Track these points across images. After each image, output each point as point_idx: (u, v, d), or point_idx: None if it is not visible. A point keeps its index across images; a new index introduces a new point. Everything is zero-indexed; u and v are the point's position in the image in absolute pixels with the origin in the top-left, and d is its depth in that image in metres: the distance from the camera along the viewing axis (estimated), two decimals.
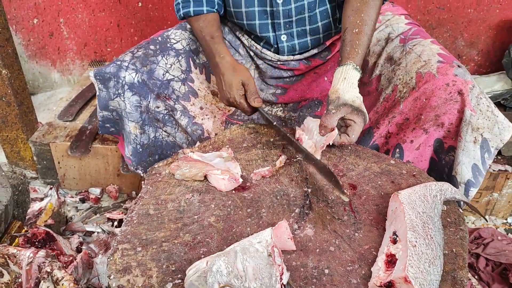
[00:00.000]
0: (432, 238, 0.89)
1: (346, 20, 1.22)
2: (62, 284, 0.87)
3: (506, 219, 1.78)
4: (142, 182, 1.11)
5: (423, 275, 0.81)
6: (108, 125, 1.44)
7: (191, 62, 1.41)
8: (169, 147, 1.44)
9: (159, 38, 1.43)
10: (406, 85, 1.24)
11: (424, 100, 1.20)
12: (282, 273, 0.81)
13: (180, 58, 1.39)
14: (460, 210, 1.06)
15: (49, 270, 0.89)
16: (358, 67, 1.16)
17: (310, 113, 1.49)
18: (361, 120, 1.13)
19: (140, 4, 2.14)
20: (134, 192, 1.82)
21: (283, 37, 1.38)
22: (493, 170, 1.68)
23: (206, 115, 1.43)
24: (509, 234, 1.77)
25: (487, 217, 1.78)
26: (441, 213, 1.00)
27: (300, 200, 1.02)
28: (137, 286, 0.83)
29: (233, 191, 1.04)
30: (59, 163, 1.77)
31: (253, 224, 0.96)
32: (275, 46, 1.40)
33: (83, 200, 1.77)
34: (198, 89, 1.42)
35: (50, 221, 1.54)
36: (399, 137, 1.27)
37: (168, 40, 1.42)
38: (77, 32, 2.25)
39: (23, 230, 1.42)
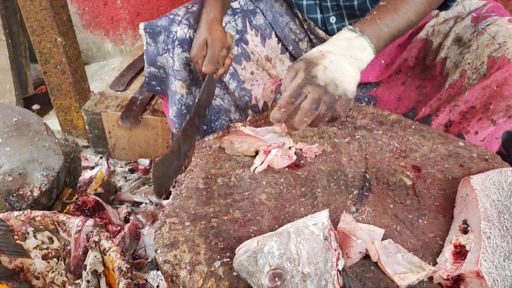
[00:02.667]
0: (508, 229, 0.80)
1: None
2: (109, 255, 0.86)
3: None
4: (192, 155, 1.07)
5: (497, 270, 0.72)
6: (154, 82, 1.39)
7: (247, 23, 1.34)
8: (214, 111, 1.38)
9: None
10: (476, 71, 1.11)
11: (495, 88, 1.06)
12: (338, 259, 0.74)
13: (236, 17, 1.32)
14: None
15: (96, 239, 0.88)
16: (357, 29, 0.95)
17: (364, 92, 1.39)
18: (302, 70, 0.86)
19: None
20: None
21: (332, 19, 1.28)
22: None
23: (257, 81, 1.36)
24: None
25: None
26: None
27: (359, 181, 0.94)
28: (183, 262, 0.80)
29: (286, 169, 0.98)
30: (109, 132, 1.78)
31: (307, 204, 0.90)
32: (324, 28, 1.31)
33: (132, 171, 1.78)
34: (252, 52, 1.35)
35: (99, 190, 1.55)
36: (461, 127, 1.15)
37: None
38: (130, 2, 2.24)
39: (74, 198, 1.43)
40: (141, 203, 1.58)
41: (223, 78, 1.30)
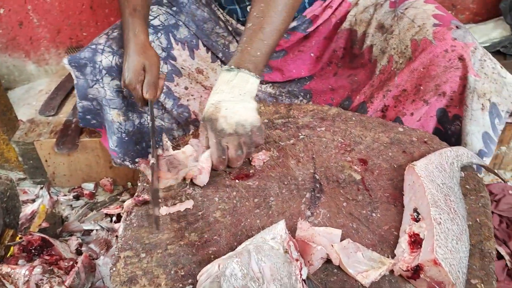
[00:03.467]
0: (456, 211, 0.83)
1: (248, 15, 1.06)
2: None
3: None
4: (138, 181, 1.03)
5: (452, 255, 0.75)
6: (89, 116, 1.34)
7: (172, 38, 1.30)
8: (156, 133, 1.35)
9: None
10: (402, 55, 1.15)
11: (422, 69, 1.11)
12: (301, 268, 0.74)
13: (159, 34, 1.29)
14: (479, 175, 1.00)
15: (48, 286, 0.83)
16: (233, 66, 0.98)
17: (299, 87, 1.40)
18: (209, 131, 0.94)
19: None
20: (129, 183, 1.75)
21: (249, 8, 1.27)
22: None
23: (192, 95, 1.33)
24: None
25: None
26: (459, 181, 0.94)
27: (309, 183, 0.95)
28: None
29: (237, 180, 0.97)
30: (46, 161, 1.68)
31: (263, 215, 0.89)
32: (243, 19, 1.29)
33: (77, 197, 1.69)
34: (182, 67, 1.32)
35: (44, 224, 1.47)
36: (397, 110, 1.19)
37: None
38: (48, 19, 2.11)
39: (17, 238, 1.34)
40: (92, 230, 1.51)
41: (159, 99, 1.27)
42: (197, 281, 0.75)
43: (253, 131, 0.95)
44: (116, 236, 1.43)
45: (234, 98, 0.95)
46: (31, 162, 1.70)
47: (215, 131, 0.93)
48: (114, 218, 1.56)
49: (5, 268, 0.86)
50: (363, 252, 0.80)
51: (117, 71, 1.22)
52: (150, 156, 0.99)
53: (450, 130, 1.17)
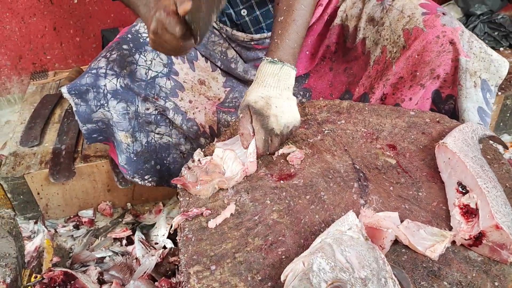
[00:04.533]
0: (493, 178, 0.91)
1: (274, 9, 1.13)
2: None
3: None
4: (177, 196, 1.02)
5: (506, 218, 0.82)
6: (95, 135, 1.31)
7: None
8: (163, 149, 1.34)
9: (129, 35, 1.29)
10: (395, 45, 1.23)
11: (416, 56, 1.19)
12: None
13: (158, 51, 1.27)
14: (494, 145, 1.09)
15: None
16: (276, 58, 1.03)
17: (298, 86, 1.44)
18: (260, 127, 1.00)
19: (76, 1, 1.93)
20: (129, 204, 1.70)
21: (243, 12, 1.30)
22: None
23: (197, 107, 1.33)
24: None
25: None
26: (481, 153, 1.02)
27: (352, 173, 0.99)
28: None
29: (281, 181, 0.99)
30: (39, 194, 1.60)
31: (319, 210, 0.92)
32: (238, 23, 1.32)
33: (77, 226, 1.63)
34: (184, 81, 1.32)
35: (55, 259, 1.40)
36: (396, 97, 1.26)
37: (139, 35, 1.29)
38: (8, 45, 2.00)
39: (34, 277, 1.28)
40: (104, 257, 1.46)
41: (168, 115, 1.26)
42: (277, 282, 0.77)
43: (292, 130, 1.02)
44: (136, 259, 1.40)
45: (281, 94, 1.01)
46: (21, 197, 1.61)
47: (266, 129, 0.99)
48: (124, 241, 1.51)
49: None
50: (424, 229, 0.85)
51: (122, 93, 1.20)
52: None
53: (443, 109, 1.26)
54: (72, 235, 1.60)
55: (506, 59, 1.24)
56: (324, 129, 1.13)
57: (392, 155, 1.03)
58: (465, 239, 0.83)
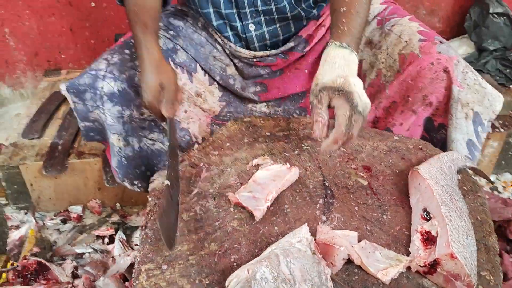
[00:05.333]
0: (461, 209, 0.89)
1: (333, 2, 1.14)
2: None
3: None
4: (148, 196, 1.03)
5: (464, 248, 0.80)
6: (92, 133, 1.33)
7: (171, 62, 1.31)
8: (155, 155, 1.35)
9: (132, 41, 1.32)
10: (390, 69, 1.22)
11: (410, 81, 1.18)
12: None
13: None
14: (473, 177, 1.07)
15: None
16: (344, 43, 1.01)
17: (294, 105, 1.45)
18: (344, 101, 0.93)
19: (93, 5, 2.00)
20: (118, 205, 1.72)
21: (251, 26, 1.32)
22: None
23: (191, 118, 1.34)
24: (494, 192, 1.84)
25: None
26: (457, 183, 1.00)
27: (320, 190, 0.98)
28: None
29: None
30: (31, 185, 1.64)
31: (280, 222, 0.91)
32: (244, 36, 1.34)
33: (64, 221, 1.65)
34: (182, 91, 1.34)
35: (35, 249, 1.42)
36: (387, 121, 1.25)
37: None
38: (26, 42, 2.08)
39: (9, 264, 1.30)
40: (84, 253, 1.47)
41: (159, 122, 1.28)
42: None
43: (366, 115, 0.96)
44: (112, 257, 1.41)
45: (354, 76, 0.97)
46: (15, 187, 1.65)
47: (351, 104, 0.92)
48: (106, 240, 1.53)
49: None
50: (380, 252, 0.84)
51: (118, 97, 1.21)
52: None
53: (435, 138, 1.24)
54: (59, 229, 1.62)
55: None
56: (303, 145, 1.13)
57: (365, 176, 1.02)
58: (420, 266, 0.81)
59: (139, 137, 1.29)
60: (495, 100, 1.19)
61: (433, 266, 0.80)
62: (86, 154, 1.62)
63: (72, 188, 1.66)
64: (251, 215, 0.92)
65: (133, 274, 0.85)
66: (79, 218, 1.67)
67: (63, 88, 1.24)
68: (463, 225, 0.85)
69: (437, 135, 1.23)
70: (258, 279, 0.73)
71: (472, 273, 0.78)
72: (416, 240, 0.86)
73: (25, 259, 1.25)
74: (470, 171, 1.09)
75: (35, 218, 1.62)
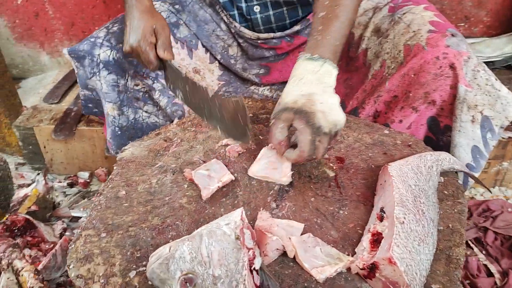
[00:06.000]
0: (424, 213, 0.80)
1: (314, 6, 1.04)
2: (22, 275, 0.81)
3: None
4: (114, 165, 1.03)
5: (411, 255, 0.72)
6: (90, 105, 1.36)
7: (171, 37, 1.30)
8: (150, 129, 1.35)
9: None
10: (394, 60, 1.12)
11: (412, 75, 1.07)
12: (254, 257, 0.72)
13: None
14: (459, 182, 0.96)
15: (9, 261, 0.83)
16: (316, 55, 0.92)
17: None
18: (304, 125, 0.84)
19: None
20: None
21: (256, 8, 1.26)
22: (503, 138, 1.56)
23: None
24: None
25: (496, 188, 1.67)
26: (437, 186, 0.91)
27: None
28: (97, 276, 0.76)
29: None
30: (45, 147, 1.71)
31: (228, 204, 0.87)
32: (249, 17, 1.29)
33: (71, 185, 1.71)
34: (179, 66, 1.32)
35: (34, 208, 1.48)
36: (387, 117, 1.16)
37: None
38: (63, 11, 2.16)
39: (4, 218, 1.36)
40: (80, 217, 1.52)
41: (153, 95, 1.27)
42: None
43: (338, 132, 0.89)
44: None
45: (324, 91, 0.88)
46: (30, 147, 1.73)
47: (312, 127, 0.84)
48: None
49: None
50: (321, 247, 0.78)
51: (114, 66, 1.22)
52: None
53: (442, 141, 1.13)
54: (65, 192, 1.69)
55: None
56: None
57: (334, 168, 0.96)
58: (359, 268, 0.74)
59: (135, 108, 1.30)
60: (510, 104, 1.05)
61: (372, 269, 0.72)
62: (95, 123, 1.66)
63: (81, 155, 1.71)
64: (201, 195, 0.89)
65: (73, 238, 0.85)
66: (86, 184, 1.72)
67: (65, 52, 1.27)
68: (419, 230, 0.76)
69: (443, 137, 1.12)
70: (176, 258, 0.70)
71: (414, 283, 0.70)
72: (365, 240, 0.78)
73: (15, 215, 1.30)
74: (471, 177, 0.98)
75: (45, 179, 1.69)
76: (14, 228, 1.29)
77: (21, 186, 1.68)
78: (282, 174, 0.90)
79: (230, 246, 0.70)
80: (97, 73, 1.24)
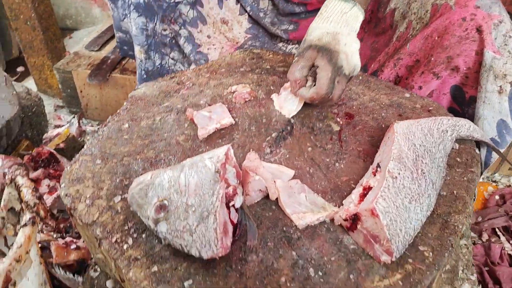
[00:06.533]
0: (424, 173, 0.74)
1: None
2: (21, 191, 0.84)
3: None
4: (125, 100, 1.05)
5: (397, 211, 0.67)
6: (125, 47, 1.39)
7: None
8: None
9: None
10: (420, 21, 1.04)
11: (435, 38, 1.00)
12: (234, 195, 0.71)
13: None
14: (477, 151, 0.89)
15: (12, 176, 0.87)
16: None
17: None
18: (326, 62, 0.84)
19: None
20: None
21: None
22: None
23: (213, 44, 1.31)
24: None
25: None
26: (449, 152, 0.84)
27: (281, 125, 0.90)
28: (84, 197, 0.78)
29: None
30: (81, 91, 1.77)
31: (222, 145, 0.86)
32: None
33: None
34: (207, 15, 1.31)
35: (62, 145, 1.54)
36: (407, 82, 1.09)
37: None
38: None
39: (32, 150, 1.43)
40: None
41: (179, 41, 1.27)
42: None
43: (352, 78, 0.90)
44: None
45: (349, 34, 0.87)
46: (68, 90, 1.80)
47: (334, 65, 0.84)
48: None
49: None
50: (307, 195, 0.75)
51: (144, 8, 1.23)
52: None
53: (467, 113, 1.04)
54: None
55: None
56: None
57: (340, 122, 0.91)
58: (343, 219, 0.70)
59: (161, 54, 1.31)
60: None
61: (355, 221, 0.69)
62: (129, 72, 1.70)
63: (114, 102, 1.76)
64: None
65: (71, 161, 0.87)
66: None
67: None
68: (413, 188, 0.71)
69: (468, 109, 1.04)
70: (155, 185, 0.70)
71: (396, 239, 0.66)
72: (355, 193, 0.74)
73: (41, 147, 1.36)
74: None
75: (79, 122, 1.76)
76: (38, 160, 1.35)
77: (57, 127, 1.76)
78: (291, 106, 0.90)
79: (208, 178, 0.69)
80: (128, 15, 1.26)
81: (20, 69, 2.15)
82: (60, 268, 1.06)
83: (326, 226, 0.71)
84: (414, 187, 0.71)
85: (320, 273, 0.65)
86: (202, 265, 0.67)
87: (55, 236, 1.15)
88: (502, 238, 1.31)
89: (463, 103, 1.04)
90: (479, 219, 1.39)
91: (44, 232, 1.15)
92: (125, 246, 0.70)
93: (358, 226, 0.68)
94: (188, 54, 1.29)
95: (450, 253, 0.70)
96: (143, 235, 0.71)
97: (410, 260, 0.67)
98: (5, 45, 2.10)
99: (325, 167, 0.81)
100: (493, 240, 1.31)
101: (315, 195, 0.75)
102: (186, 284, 0.65)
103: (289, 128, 0.89)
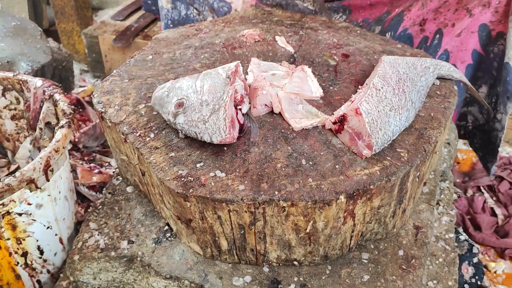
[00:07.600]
0: (404, 92, 0.87)
1: None
2: (58, 105, 0.98)
3: None
4: (149, 41, 1.18)
5: (379, 114, 0.80)
6: (149, 1, 1.50)
7: None
8: (191, 22, 1.45)
9: None
10: None
11: None
12: (242, 100, 0.84)
13: None
14: (455, 87, 1.01)
15: (51, 93, 1.01)
16: None
17: (338, 3, 1.39)
18: None
19: None
20: None
21: None
22: None
23: None
24: None
25: None
26: (430, 85, 0.97)
27: (284, 57, 1.03)
28: (113, 104, 0.91)
29: (225, 48, 1.08)
30: (105, 56, 1.92)
31: None
32: None
33: None
34: None
35: (87, 99, 1.69)
36: (438, 21, 1.14)
37: None
38: None
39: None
40: None
41: None
42: None
43: None
44: None
45: None
46: (94, 55, 1.95)
47: None
48: None
49: (25, 76, 1.05)
50: (304, 106, 0.87)
51: None
52: None
53: (492, 53, 1.08)
54: None
55: None
56: (300, 32, 1.17)
57: (337, 59, 1.04)
58: (332, 123, 0.83)
59: (186, 4, 1.41)
60: None
61: (341, 121, 0.81)
62: (151, 38, 1.84)
63: None
64: (213, 63, 1.02)
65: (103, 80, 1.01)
66: None
67: None
68: (394, 100, 0.83)
69: (494, 48, 1.07)
70: (176, 88, 0.83)
71: (377, 136, 0.78)
72: (344, 106, 0.87)
73: (70, 94, 1.50)
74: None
75: None
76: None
77: (81, 87, 1.91)
78: (314, 89, 0.96)
79: (220, 81, 0.82)
80: None
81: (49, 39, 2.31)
82: (84, 187, 1.20)
83: (318, 130, 0.84)
84: (395, 100, 0.84)
85: (311, 163, 0.78)
86: (212, 152, 0.80)
87: (81, 163, 1.29)
88: (486, 194, 1.42)
89: (488, 43, 1.08)
90: (466, 179, 1.50)
91: (71, 159, 1.28)
92: (147, 139, 0.83)
93: (345, 126, 0.81)
94: (212, 2, 1.39)
95: (423, 157, 0.82)
96: (163, 132, 0.84)
97: (388, 158, 0.79)
98: (36, 17, 2.27)
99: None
100: (477, 194, 1.42)
101: (310, 106, 0.87)
102: (198, 165, 0.78)
103: (291, 60, 1.02)
